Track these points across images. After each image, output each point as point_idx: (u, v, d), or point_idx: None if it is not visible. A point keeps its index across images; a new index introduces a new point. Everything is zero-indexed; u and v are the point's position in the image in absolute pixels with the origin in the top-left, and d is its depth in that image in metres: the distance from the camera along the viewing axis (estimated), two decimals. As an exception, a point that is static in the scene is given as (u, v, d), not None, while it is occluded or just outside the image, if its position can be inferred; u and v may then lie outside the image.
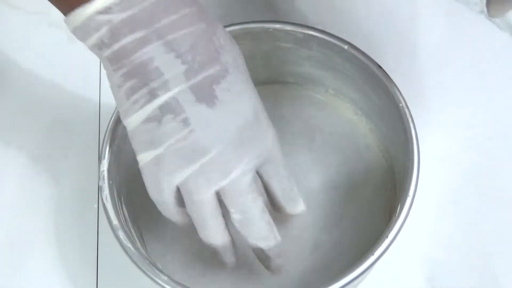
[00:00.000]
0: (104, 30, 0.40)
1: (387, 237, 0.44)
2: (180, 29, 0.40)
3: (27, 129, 0.59)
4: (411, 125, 0.48)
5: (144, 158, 0.42)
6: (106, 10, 0.39)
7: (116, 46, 0.40)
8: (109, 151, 0.48)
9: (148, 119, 0.41)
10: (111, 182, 0.47)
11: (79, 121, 0.60)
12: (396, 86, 0.49)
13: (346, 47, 0.51)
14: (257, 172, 0.44)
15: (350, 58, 0.51)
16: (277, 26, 0.51)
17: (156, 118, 0.40)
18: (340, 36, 0.51)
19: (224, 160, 0.42)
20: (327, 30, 0.51)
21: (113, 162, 0.48)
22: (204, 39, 0.40)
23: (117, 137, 0.49)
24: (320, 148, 0.55)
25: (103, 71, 0.60)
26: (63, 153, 0.58)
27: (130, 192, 0.50)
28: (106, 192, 0.46)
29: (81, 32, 0.41)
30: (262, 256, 0.46)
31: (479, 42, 0.61)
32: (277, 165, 0.45)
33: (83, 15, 0.40)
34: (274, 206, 0.48)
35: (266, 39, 0.52)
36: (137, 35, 0.40)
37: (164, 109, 0.40)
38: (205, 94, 0.40)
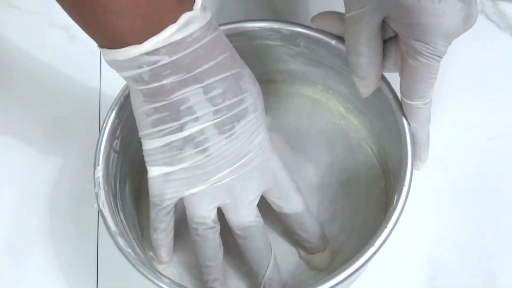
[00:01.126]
0: (146, 69, 0.42)
1: (386, 227, 0.44)
2: (216, 75, 0.44)
3: (26, 130, 0.59)
4: (402, 116, 0.48)
5: (155, 171, 0.46)
6: (153, 52, 0.41)
7: (155, 85, 0.43)
8: (103, 157, 0.48)
9: (169, 144, 0.45)
10: (106, 188, 0.47)
11: (79, 122, 0.60)
12: (384, 78, 0.49)
13: (333, 42, 0.51)
14: (267, 197, 0.49)
15: (338, 53, 0.51)
16: (264, 24, 0.51)
17: (178, 146, 0.45)
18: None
19: (230, 183, 0.46)
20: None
21: (109, 167, 0.49)
22: (233, 84, 0.44)
23: (114, 139, 0.50)
24: (312, 144, 0.55)
25: (103, 72, 0.61)
26: (62, 153, 0.58)
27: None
28: (102, 198, 0.46)
29: (119, 66, 0.43)
30: (257, 278, 0.49)
31: (479, 42, 0.61)
32: (285, 187, 0.49)
33: (129, 54, 0.41)
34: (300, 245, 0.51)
35: (253, 38, 0.52)
36: (178, 77, 0.42)
37: (188, 139, 0.44)
38: (226, 129, 0.45)
